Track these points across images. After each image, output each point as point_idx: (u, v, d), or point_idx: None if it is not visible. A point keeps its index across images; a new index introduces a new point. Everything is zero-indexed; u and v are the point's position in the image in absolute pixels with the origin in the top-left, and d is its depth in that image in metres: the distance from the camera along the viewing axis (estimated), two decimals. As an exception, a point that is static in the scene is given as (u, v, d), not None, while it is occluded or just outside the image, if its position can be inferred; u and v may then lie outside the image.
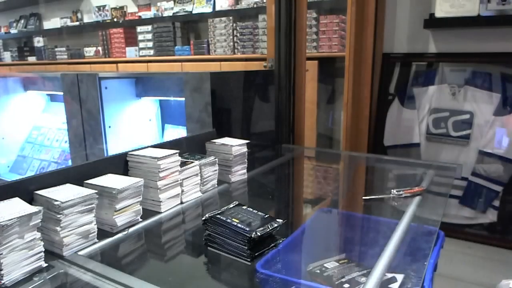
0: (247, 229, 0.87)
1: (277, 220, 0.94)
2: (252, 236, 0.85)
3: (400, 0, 2.20)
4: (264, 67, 1.97)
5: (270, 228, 0.90)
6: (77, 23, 4.53)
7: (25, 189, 0.91)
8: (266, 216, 0.95)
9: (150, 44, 3.82)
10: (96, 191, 0.93)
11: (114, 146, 2.01)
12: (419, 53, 2.20)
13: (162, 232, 1.08)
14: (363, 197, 0.81)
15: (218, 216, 0.92)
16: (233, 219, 0.90)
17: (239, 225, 0.88)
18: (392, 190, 1.21)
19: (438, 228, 1.03)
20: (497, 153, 1.98)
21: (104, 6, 4.26)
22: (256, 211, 0.97)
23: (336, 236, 1.17)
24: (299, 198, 1.49)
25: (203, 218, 0.94)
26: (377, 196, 0.76)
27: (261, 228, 0.88)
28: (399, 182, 1.64)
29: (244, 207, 1.00)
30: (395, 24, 2.23)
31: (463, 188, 2.07)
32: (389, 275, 0.86)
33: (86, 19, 4.56)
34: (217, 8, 3.41)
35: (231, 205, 1.00)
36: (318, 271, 0.95)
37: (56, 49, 4.65)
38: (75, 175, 1.02)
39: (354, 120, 2.21)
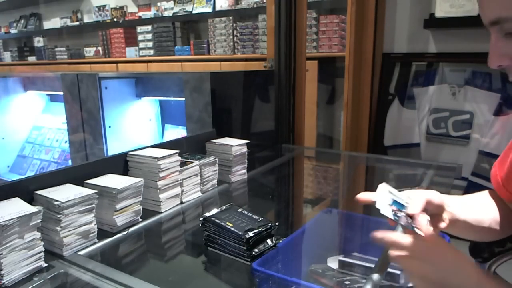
0: (240, 233, 0.87)
1: (271, 223, 0.94)
2: (245, 240, 0.85)
3: (400, 0, 2.20)
4: (264, 67, 1.97)
5: (264, 231, 0.90)
6: (77, 23, 4.53)
7: (25, 189, 0.91)
8: (260, 219, 0.95)
9: (150, 44, 3.82)
10: (96, 191, 0.93)
11: (114, 146, 2.01)
12: (419, 53, 2.20)
13: (162, 232, 1.08)
14: (363, 197, 0.83)
15: (213, 219, 0.92)
16: (227, 223, 0.90)
17: (232, 229, 0.88)
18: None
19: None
20: (497, 153, 1.98)
21: (104, 6, 4.26)
22: (250, 214, 0.97)
23: (336, 236, 1.17)
24: (299, 198, 1.49)
25: (200, 219, 0.94)
26: (377, 196, 0.77)
27: (254, 231, 0.88)
28: (399, 182, 1.64)
29: (240, 210, 1.00)
30: (395, 24, 2.23)
31: (463, 188, 2.07)
32: (392, 271, 0.86)
33: (86, 19, 4.56)
34: (217, 8, 3.41)
35: (225, 207, 1.00)
36: (320, 271, 0.96)
37: (56, 49, 4.65)
38: (75, 175, 1.02)
39: (354, 120, 2.21)
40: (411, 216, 0.68)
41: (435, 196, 0.74)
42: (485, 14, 0.62)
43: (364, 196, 0.72)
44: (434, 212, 0.75)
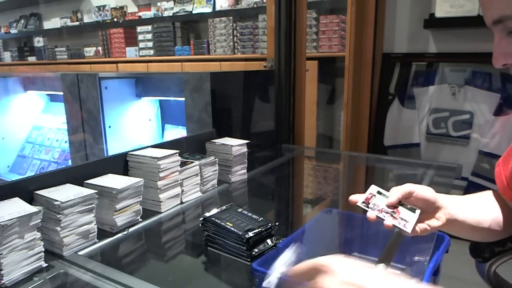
0: (240, 233, 0.87)
1: (271, 223, 0.94)
2: (245, 240, 0.86)
3: (400, 0, 2.20)
4: (264, 67, 1.97)
5: (264, 231, 0.90)
6: (77, 23, 4.53)
7: (25, 189, 0.91)
8: (260, 219, 0.95)
9: (150, 44, 3.82)
10: (96, 191, 0.93)
11: (114, 146, 2.01)
12: (419, 53, 2.20)
13: (162, 232, 1.08)
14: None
15: (213, 219, 0.92)
16: (227, 223, 0.90)
17: (232, 229, 0.88)
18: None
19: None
20: (497, 153, 1.98)
21: (104, 6, 4.26)
22: (250, 214, 0.97)
23: (336, 236, 1.17)
24: (299, 198, 1.49)
25: (200, 219, 0.94)
26: (377, 196, 0.77)
27: (254, 231, 0.88)
28: (399, 182, 1.63)
29: (240, 210, 0.99)
30: (395, 24, 2.23)
31: (463, 188, 2.07)
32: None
33: (86, 19, 4.56)
34: (217, 8, 3.41)
35: (225, 207, 1.00)
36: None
37: (56, 49, 4.65)
38: (75, 175, 1.02)
39: (354, 120, 2.21)
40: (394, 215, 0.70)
41: (423, 190, 0.74)
42: (488, 13, 0.62)
43: (355, 198, 0.75)
44: (427, 209, 0.75)
